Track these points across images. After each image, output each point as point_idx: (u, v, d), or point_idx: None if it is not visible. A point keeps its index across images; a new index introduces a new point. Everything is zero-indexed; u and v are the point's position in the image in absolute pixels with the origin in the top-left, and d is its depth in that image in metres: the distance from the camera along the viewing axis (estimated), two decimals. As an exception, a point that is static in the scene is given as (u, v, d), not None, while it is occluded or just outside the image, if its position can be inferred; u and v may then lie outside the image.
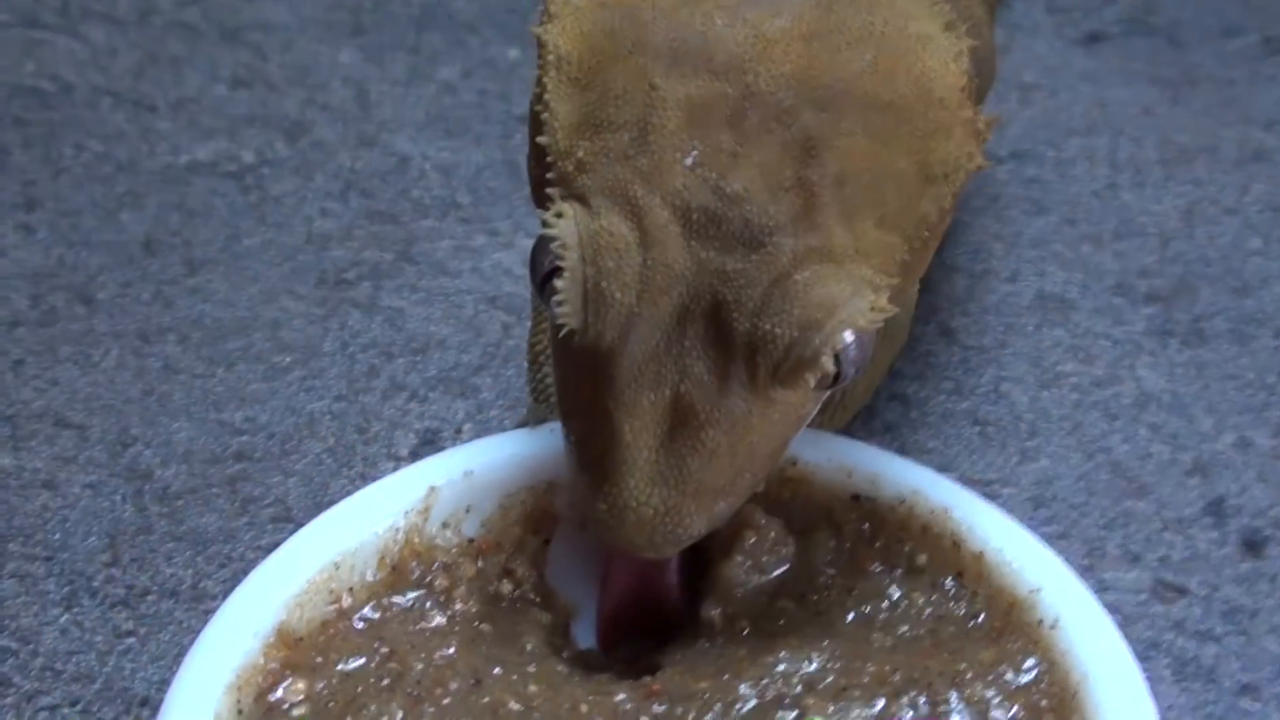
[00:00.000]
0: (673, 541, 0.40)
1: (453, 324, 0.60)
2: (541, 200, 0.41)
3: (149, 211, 0.66)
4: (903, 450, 0.55)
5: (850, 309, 0.38)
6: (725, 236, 0.39)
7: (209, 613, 0.49)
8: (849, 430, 0.53)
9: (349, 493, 0.45)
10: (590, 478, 0.40)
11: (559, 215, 0.39)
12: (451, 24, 0.77)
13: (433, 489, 0.44)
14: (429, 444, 0.56)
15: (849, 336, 0.38)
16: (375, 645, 0.42)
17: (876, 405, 0.57)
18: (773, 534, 0.44)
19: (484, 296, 0.62)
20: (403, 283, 0.62)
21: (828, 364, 0.38)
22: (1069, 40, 0.75)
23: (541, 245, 0.39)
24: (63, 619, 0.51)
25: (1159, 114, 0.71)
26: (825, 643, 0.42)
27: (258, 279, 0.63)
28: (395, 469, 0.54)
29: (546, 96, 0.41)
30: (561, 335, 0.39)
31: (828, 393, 0.41)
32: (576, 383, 0.40)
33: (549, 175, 0.41)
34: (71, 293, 0.62)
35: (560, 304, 0.39)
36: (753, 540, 0.43)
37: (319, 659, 0.42)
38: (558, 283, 0.39)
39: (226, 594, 0.42)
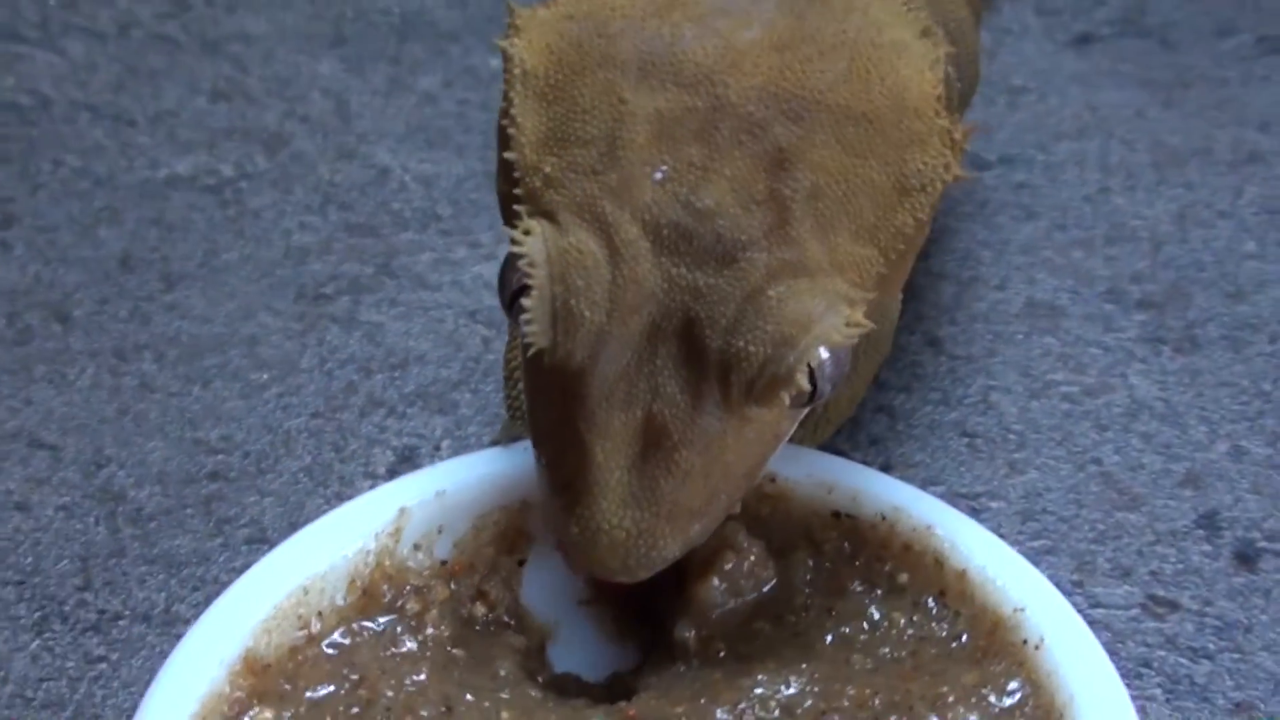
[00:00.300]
0: (646, 565, 0.39)
1: (432, 339, 0.60)
2: (509, 217, 0.40)
3: (127, 227, 0.65)
4: (889, 464, 0.54)
5: (825, 324, 0.38)
6: (696, 252, 0.38)
7: (182, 637, 0.49)
8: (833, 444, 0.53)
9: (325, 513, 0.44)
10: (562, 500, 0.39)
11: (527, 232, 0.38)
12: (432, 33, 0.76)
13: (404, 510, 0.43)
14: (407, 461, 0.55)
15: (824, 353, 0.38)
16: (345, 672, 0.41)
17: (862, 418, 0.56)
18: (753, 558, 0.43)
19: (464, 310, 0.61)
20: (382, 297, 0.62)
21: (802, 381, 0.38)
22: (1059, 42, 0.74)
23: (509, 263, 0.39)
24: (34, 645, 0.50)
25: (1151, 116, 0.70)
26: (804, 665, 0.41)
27: (235, 294, 0.62)
28: (372, 488, 0.53)
29: (513, 111, 0.41)
30: (531, 354, 0.38)
31: (805, 410, 0.40)
32: (547, 403, 0.39)
33: (516, 191, 0.40)
34: (47, 310, 0.61)
35: (529, 323, 0.38)
36: (731, 563, 0.43)
37: (287, 686, 0.41)
38: (525, 301, 0.38)
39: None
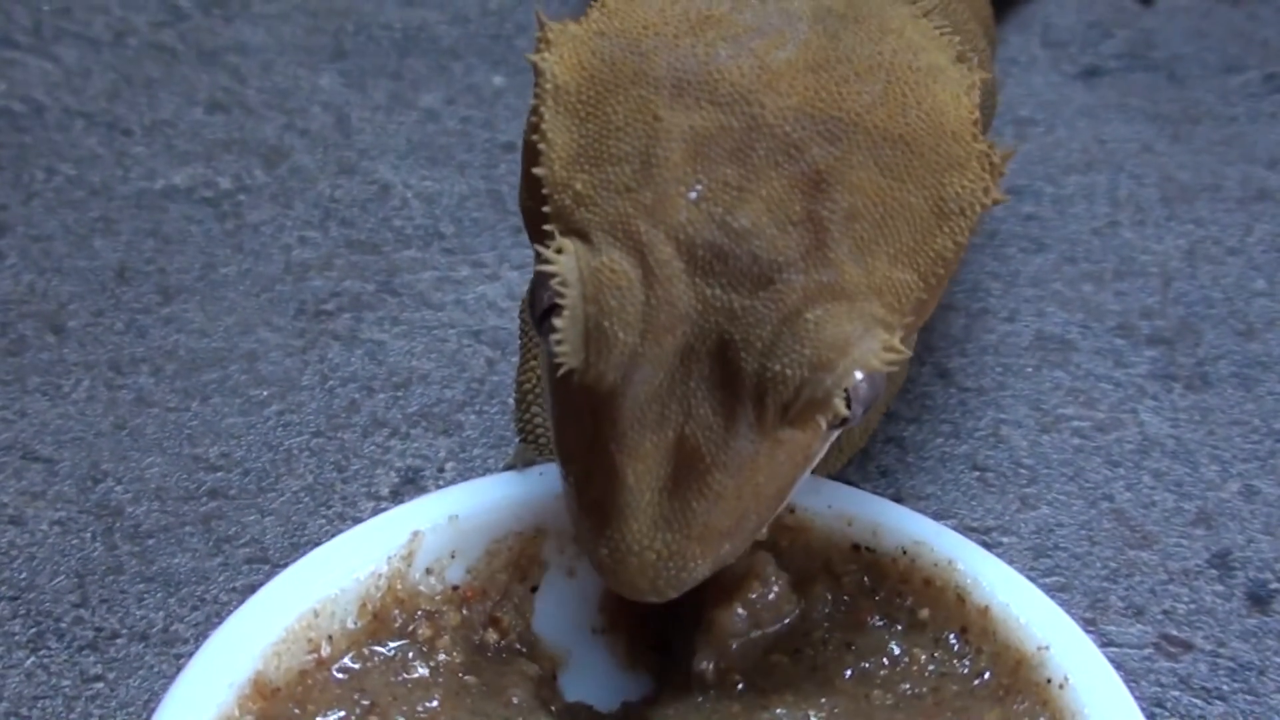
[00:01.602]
0: (676, 585, 0.38)
1: (435, 358, 0.59)
2: (537, 235, 0.40)
3: (122, 238, 0.64)
4: (899, 495, 0.54)
5: (862, 349, 0.37)
6: (732, 273, 0.38)
7: (180, 657, 0.49)
8: (843, 475, 0.52)
9: (327, 533, 0.43)
10: (591, 521, 0.38)
11: (559, 251, 0.38)
12: (434, 50, 0.75)
13: (416, 533, 0.43)
14: (410, 483, 0.54)
15: (859, 376, 0.37)
16: (355, 697, 0.41)
17: (871, 449, 0.55)
18: (777, 589, 0.42)
19: (468, 330, 0.60)
20: (384, 315, 0.61)
21: (840, 406, 0.37)
22: (1066, 75, 0.74)
23: (540, 282, 0.38)
24: (28, 662, 0.49)
25: (1159, 151, 0.69)
26: (823, 700, 0.41)
27: (234, 309, 0.61)
28: (375, 508, 0.53)
29: (544, 127, 0.40)
30: (560, 375, 0.38)
31: (837, 433, 0.39)
32: (576, 424, 0.39)
33: (545, 209, 0.39)
34: (41, 321, 0.60)
35: (559, 343, 0.37)
36: (756, 593, 0.42)
37: (296, 711, 0.40)
38: (556, 321, 0.37)
39: (199, 638, 0.41)
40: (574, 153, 0.39)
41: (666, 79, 0.40)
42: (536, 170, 0.40)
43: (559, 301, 0.37)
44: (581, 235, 0.38)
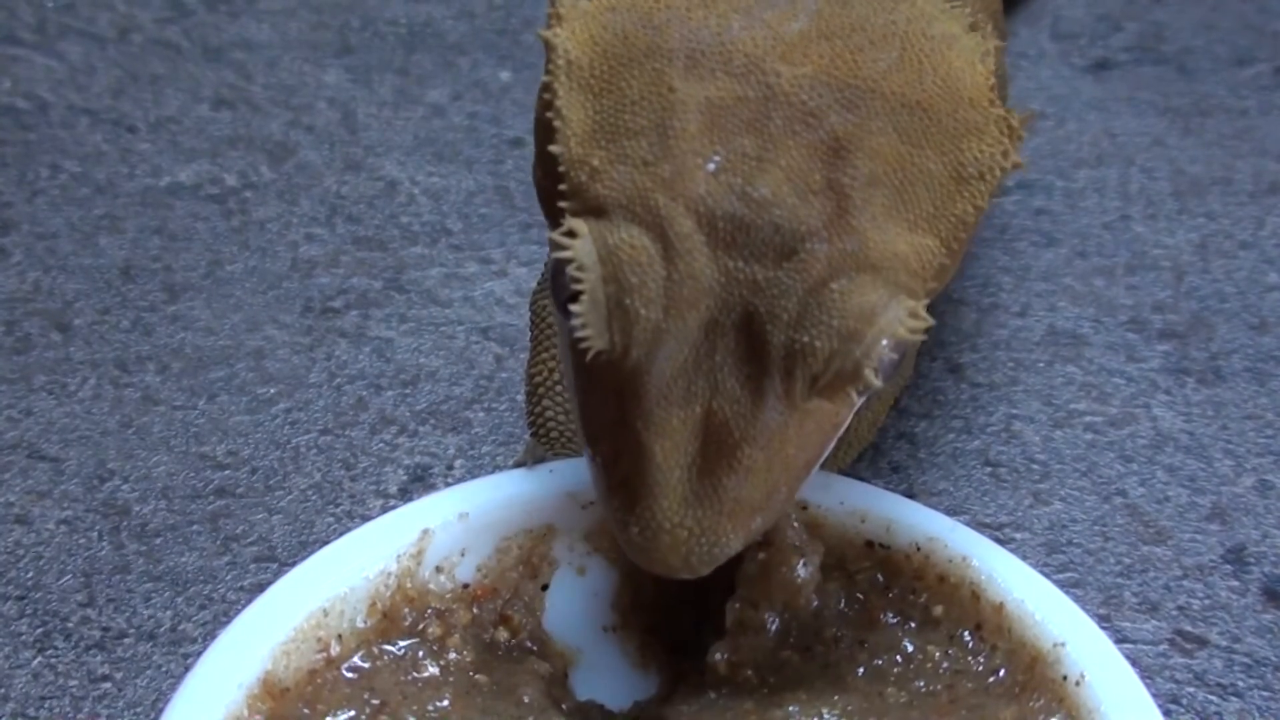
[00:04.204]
0: (708, 561, 0.38)
1: (443, 355, 0.59)
2: (551, 212, 0.39)
3: (128, 235, 0.64)
4: (911, 491, 0.53)
5: (889, 317, 0.37)
6: (754, 244, 0.37)
7: (188, 656, 0.48)
8: (854, 470, 0.52)
9: (335, 531, 0.43)
10: (621, 500, 0.38)
11: (571, 234, 0.37)
12: (440, 45, 0.75)
13: (426, 531, 0.42)
14: (419, 480, 0.54)
15: (886, 344, 0.37)
16: (365, 696, 0.40)
17: (883, 444, 0.55)
18: (809, 568, 0.42)
19: (476, 327, 0.60)
20: (391, 312, 0.60)
21: (871, 376, 0.37)
22: (1076, 68, 0.74)
23: (559, 269, 0.38)
24: (35, 662, 0.49)
25: (1170, 144, 0.69)
26: (836, 697, 0.40)
27: (241, 307, 0.61)
28: (384, 506, 0.52)
29: (558, 103, 0.39)
30: (588, 359, 0.37)
31: (862, 399, 0.39)
32: (601, 404, 0.38)
33: (561, 186, 0.39)
34: (47, 319, 0.60)
35: (582, 325, 0.37)
36: (793, 565, 0.42)
37: (306, 710, 0.40)
38: (575, 307, 0.37)
39: (207, 637, 0.40)
40: (589, 128, 0.39)
41: (680, 51, 0.39)
42: (552, 147, 0.39)
43: (577, 287, 0.37)
44: (599, 211, 0.38)
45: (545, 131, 0.40)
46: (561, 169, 0.39)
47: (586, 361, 0.38)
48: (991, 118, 0.40)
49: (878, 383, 0.37)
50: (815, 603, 0.42)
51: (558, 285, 0.38)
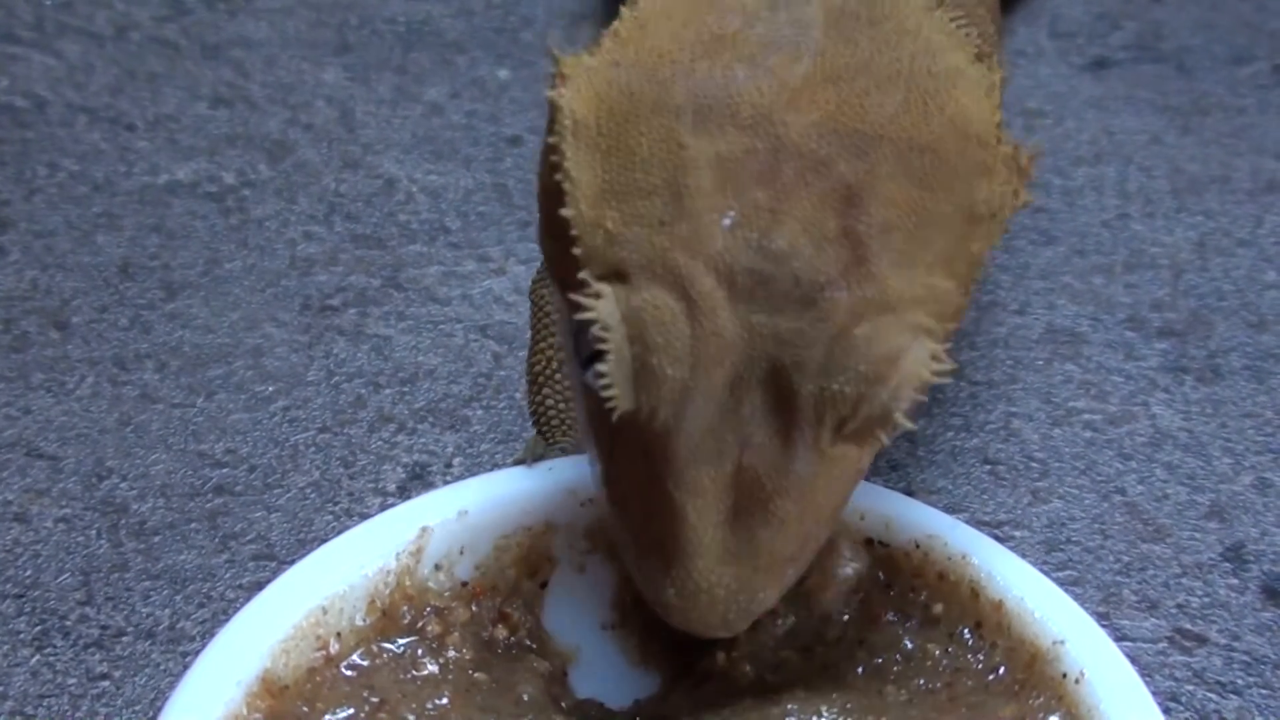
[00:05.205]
0: (746, 618, 0.38)
1: (442, 353, 0.59)
2: (563, 276, 0.39)
3: (126, 233, 0.64)
4: (910, 490, 0.53)
5: (912, 359, 0.37)
6: (775, 297, 0.37)
7: (187, 655, 0.48)
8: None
9: (334, 529, 0.43)
10: (655, 563, 0.38)
11: (596, 296, 0.37)
12: (438, 43, 0.75)
13: (425, 529, 0.42)
14: (417, 478, 0.54)
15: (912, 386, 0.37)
16: (364, 694, 0.40)
17: (882, 442, 0.55)
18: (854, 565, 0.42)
19: (474, 325, 0.60)
20: (390, 310, 0.60)
21: (901, 419, 0.37)
22: (1074, 66, 0.74)
23: (580, 329, 0.37)
24: (34, 660, 0.49)
25: (1168, 143, 0.69)
26: (835, 695, 0.40)
27: (239, 304, 0.61)
28: (382, 504, 0.52)
29: (566, 165, 0.39)
30: (615, 419, 0.37)
31: (886, 441, 0.39)
32: (628, 465, 0.38)
33: (574, 250, 0.38)
34: (45, 317, 0.60)
35: (608, 387, 0.37)
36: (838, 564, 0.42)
37: (305, 708, 0.40)
38: (601, 367, 0.37)
39: (205, 635, 0.40)
40: (600, 189, 0.39)
41: (687, 106, 0.39)
42: (564, 212, 0.39)
43: (601, 347, 0.37)
44: (618, 274, 0.38)
45: (552, 196, 0.39)
46: (575, 233, 0.38)
47: (612, 423, 0.37)
48: (1000, 156, 0.40)
49: (908, 424, 0.37)
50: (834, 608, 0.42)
51: (579, 345, 0.38)
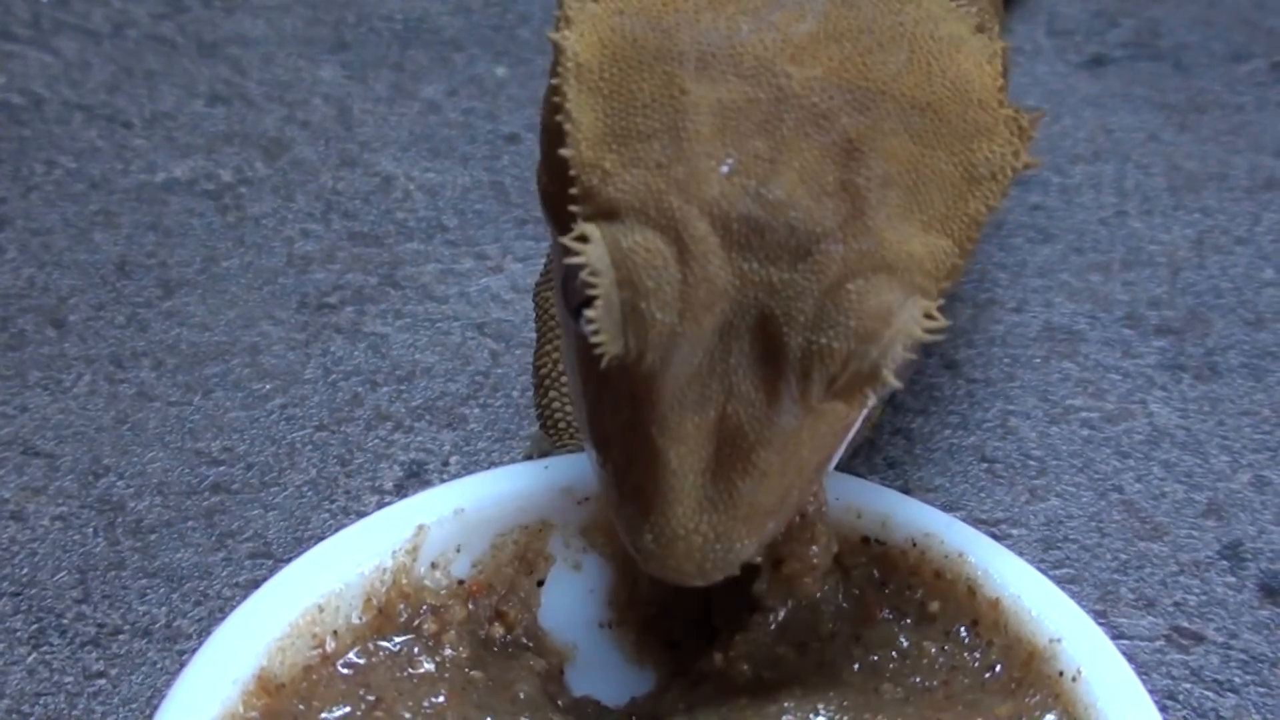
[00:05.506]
0: (723, 568, 0.38)
1: (439, 351, 0.59)
2: (559, 218, 0.39)
3: (123, 231, 0.64)
4: (907, 488, 0.53)
5: (905, 318, 0.37)
6: (769, 246, 0.37)
7: (183, 653, 0.48)
8: (849, 467, 0.52)
9: (330, 527, 0.43)
10: (634, 508, 0.38)
11: (583, 239, 0.37)
12: (436, 41, 0.75)
13: (421, 527, 0.42)
14: (414, 476, 0.54)
15: (903, 344, 0.37)
16: (361, 693, 0.40)
17: (879, 440, 0.55)
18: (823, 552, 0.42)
19: (471, 323, 0.60)
20: (387, 308, 0.60)
21: (889, 377, 0.37)
22: (1072, 64, 0.74)
23: (570, 273, 0.37)
24: (30, 658, 0.49)
25: (1166, 140, 0.69)
26: (831, 693, 0.40)
27: (236, 302, 0.61)
28: (379, 502, 0.52)
29: (568, 106, 0.39)
30: (604, 365, 0.37)
31: (874, 400, 0.39)
32: (612, 410, 0.38)
33: (571, 190, 0.38)
34: (41, 315, 0.60)
35: (597, 331, 0.37)
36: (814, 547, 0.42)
37: (301, 707, 0.40)
38: (590, 312, 0.37)
39: (202, 633, 0.40)
40: (601, 131, 0.39)
41: (690, 54, 0.39)
42: (563, 151, 0.39)
43: (591, 292, 0.37)
44: (612, 215, 0.38)
45: (553, 136, 0.40)
46: (572, 173, 0.38)
47: (595, 368, 0.37)
48: (1001, 118, 0.40)
49: (896, 383, 0.37)
50: (817, 594, 0.42)
51: (568, 290, 0.38)
